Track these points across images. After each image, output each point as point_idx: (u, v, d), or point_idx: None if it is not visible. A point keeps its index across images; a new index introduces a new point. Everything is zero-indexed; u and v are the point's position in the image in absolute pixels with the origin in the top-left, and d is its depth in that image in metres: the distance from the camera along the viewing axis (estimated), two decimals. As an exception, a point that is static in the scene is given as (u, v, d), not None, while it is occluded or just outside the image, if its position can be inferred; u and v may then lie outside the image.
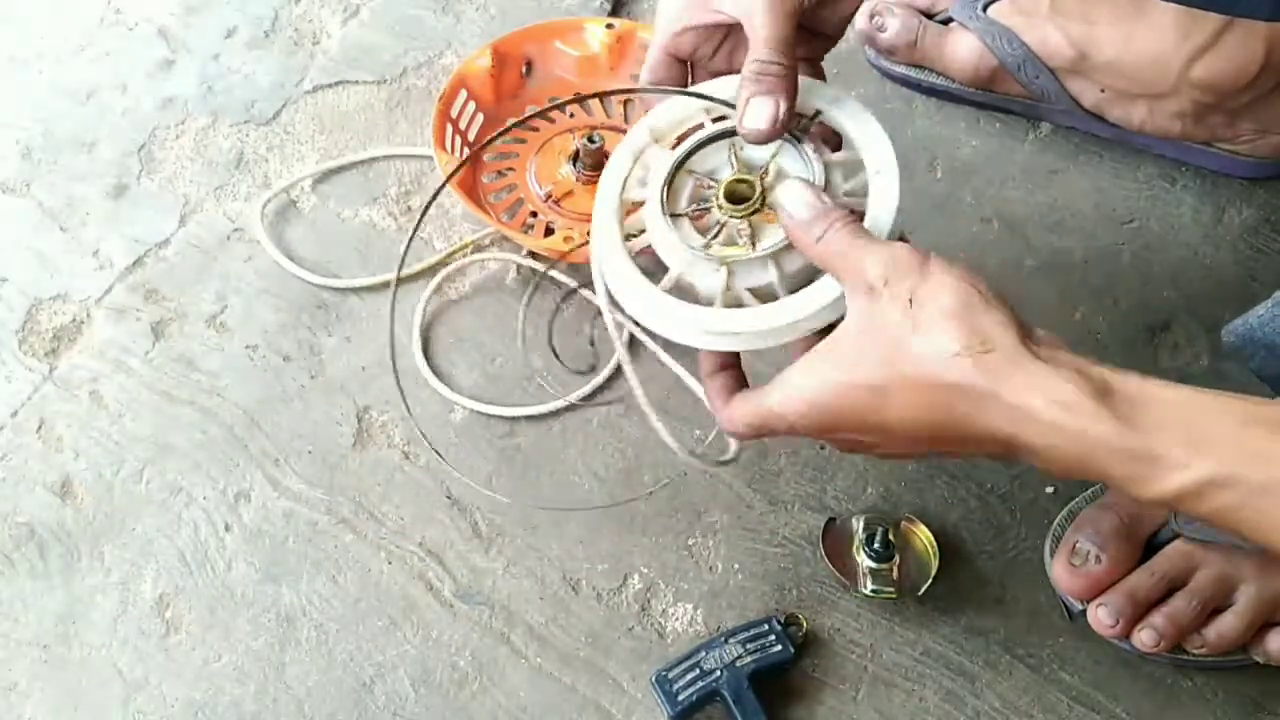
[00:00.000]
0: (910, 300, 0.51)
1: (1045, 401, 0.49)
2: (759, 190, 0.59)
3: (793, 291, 0.57)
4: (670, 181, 0.61)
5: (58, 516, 0.77)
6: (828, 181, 0.59)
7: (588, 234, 0.68)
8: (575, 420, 0.80)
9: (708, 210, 0.61)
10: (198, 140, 0.93)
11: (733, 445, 0.69)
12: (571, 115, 0.92)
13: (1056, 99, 0.88)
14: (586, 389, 0.80)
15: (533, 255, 0.86)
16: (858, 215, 0.57)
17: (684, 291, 0.59)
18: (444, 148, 0.85)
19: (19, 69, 0.97)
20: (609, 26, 0.91)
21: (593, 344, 0.77)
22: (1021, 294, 0.84)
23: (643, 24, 0.93)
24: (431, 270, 0.86)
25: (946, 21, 0.90)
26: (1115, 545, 0.71)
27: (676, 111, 0.64)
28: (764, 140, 0.59)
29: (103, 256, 0.87)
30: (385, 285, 0.85)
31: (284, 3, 1.00)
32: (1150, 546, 0.71)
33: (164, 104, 0.95)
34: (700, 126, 0.64)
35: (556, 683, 0.72)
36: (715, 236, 0.59)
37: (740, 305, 0.58)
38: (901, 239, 0.56)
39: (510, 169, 0.89)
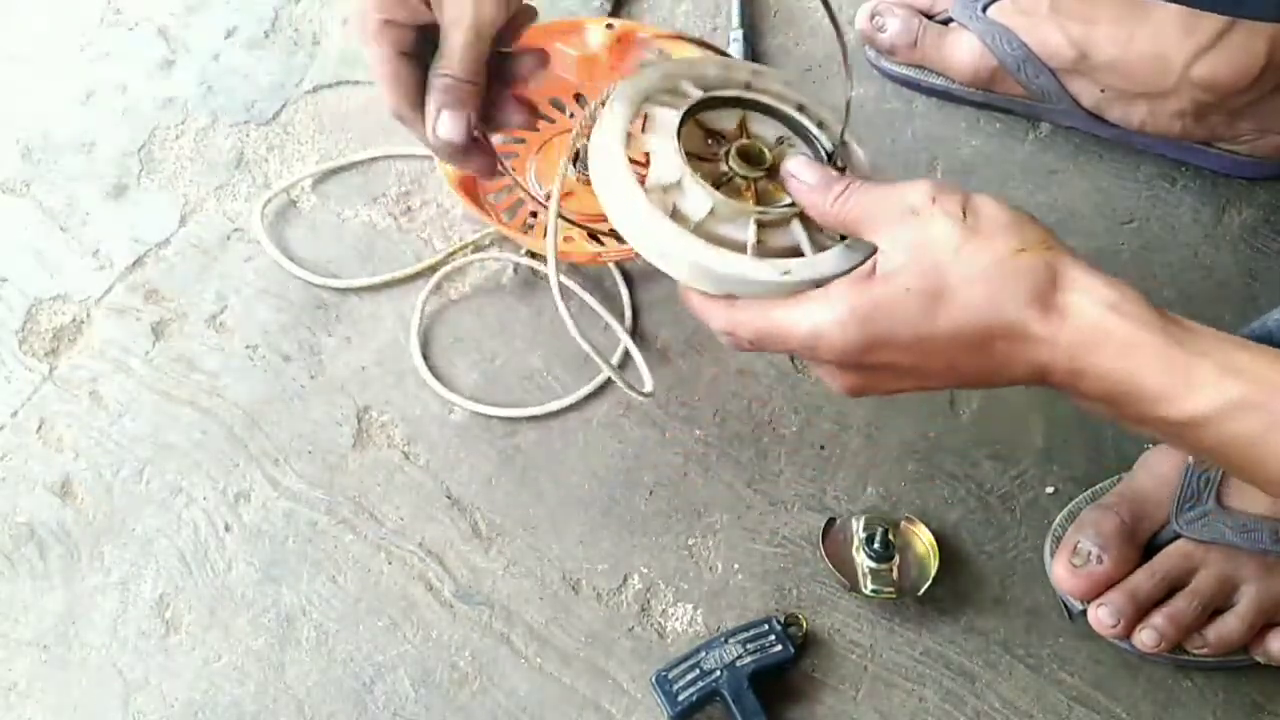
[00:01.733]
0: (964, 211, 0.52)
1: (1101, 299, 0.50)
2: (770, 159, 0.59)
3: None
4: (682, 125, 0.59)
5: (58, 516, 0.77)
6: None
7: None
8: (575, 420, 0.80)
9: (716, 162, 0.60)
10: (198, 140, 0.93)
11: (648, 383, 0.70)
12: (571, 115, 0.92)
13: (1056, 99, 0.88)
14: (588, 388, 0.80)
15: (530, 254, 0.86)
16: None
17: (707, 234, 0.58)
18: (444, 148, 0.85)
19: (19, 69, 0.97)
20: (609, 26, 0.91)
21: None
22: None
23: (642, 24, 0.93)
24: (431, 270, 0.86)
25: (946, 21, 0.90)
26: (1116, 546, 0.71)
27: (672, 69, 0.63)
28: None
29: (103, 256, 0.87)
30: (385, 285, 0.85)
31: (284, 3, 1.00)
32: (1151, 547, 0.72)
33: (164, 104, 0.95)
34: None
35: (556, 683, 0.72)
36: (721, 187, 0.58)
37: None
38: None
39: (510, 169, 0.89)
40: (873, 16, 0.91)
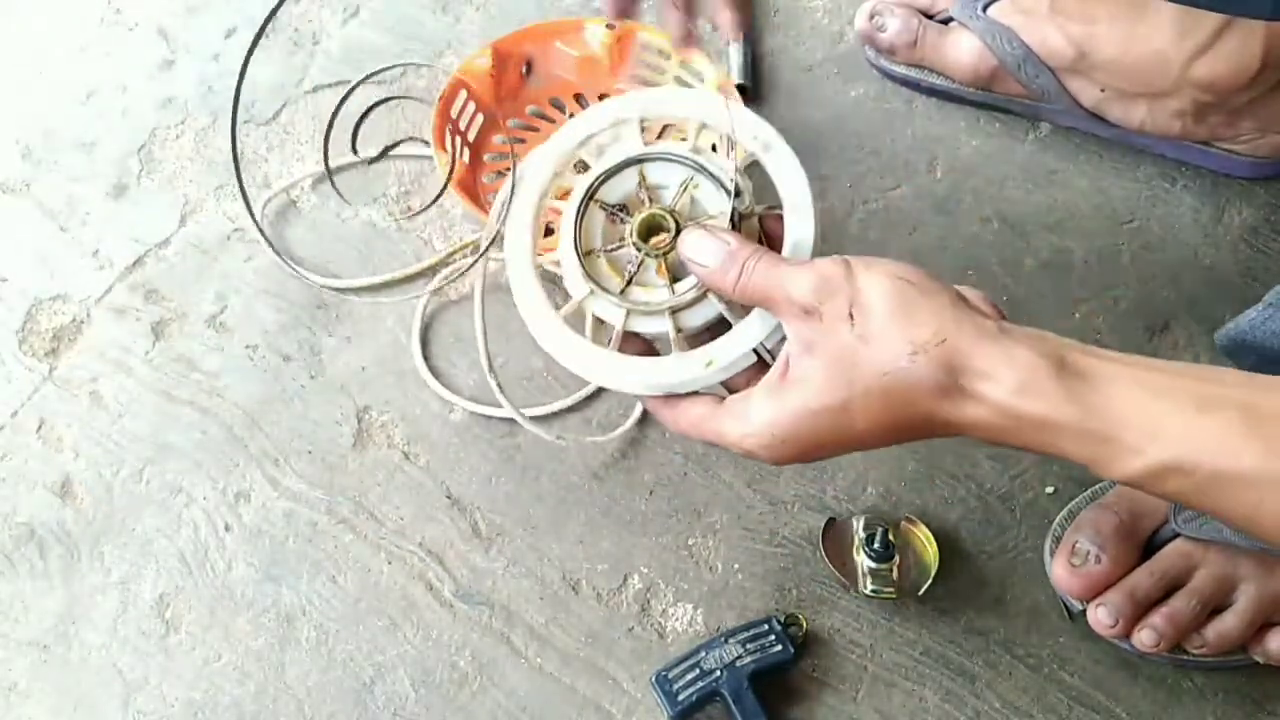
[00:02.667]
0: (850, 314, 0.51)
1: (1006, 385, 0.49)
2: (674, 225, 0.58)
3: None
4: (581, 215, 0.60)
5: (58, 516, 0.77)
6: (745, 205, 0.59)
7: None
8: (575, 420, 0.80)
9: (622, 246, 0.59)
10: (198, 140, 0.93)
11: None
12: (571, 115, 0.92)
13: (1056, 99, 0.88)
14: (589, 389, 0.80)
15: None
16: (778, 218, 0.57)
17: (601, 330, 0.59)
18: (444, 148, 0.85)
19: (19, 69, 0.97)
20: (609, 26, 0.91)
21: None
22: (1021, 294, 0.84)
23: (642, 24, 0.93)
24: (432, 270, 0.86)
25: (946, 21, 0.90)
26: (1115, 545, 0.71)
27: (564, 144, 0.62)
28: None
29: (103, 256, 0.87)
30: (385, 285, 0.85)
31: (284, 3, 1.00)
32: (1150, 546, 0.72)
33: (164, 104, 0.95)
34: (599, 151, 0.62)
35: (556, 683, 0.72)
36: (633, 278, 0.59)
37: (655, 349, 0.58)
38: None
39: (510, 169, 0.89)
40: (872, 16, 0.91)
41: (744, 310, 0.57)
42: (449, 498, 0.78)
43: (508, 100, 0.91)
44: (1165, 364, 0.50)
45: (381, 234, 0.88)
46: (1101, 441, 0.49)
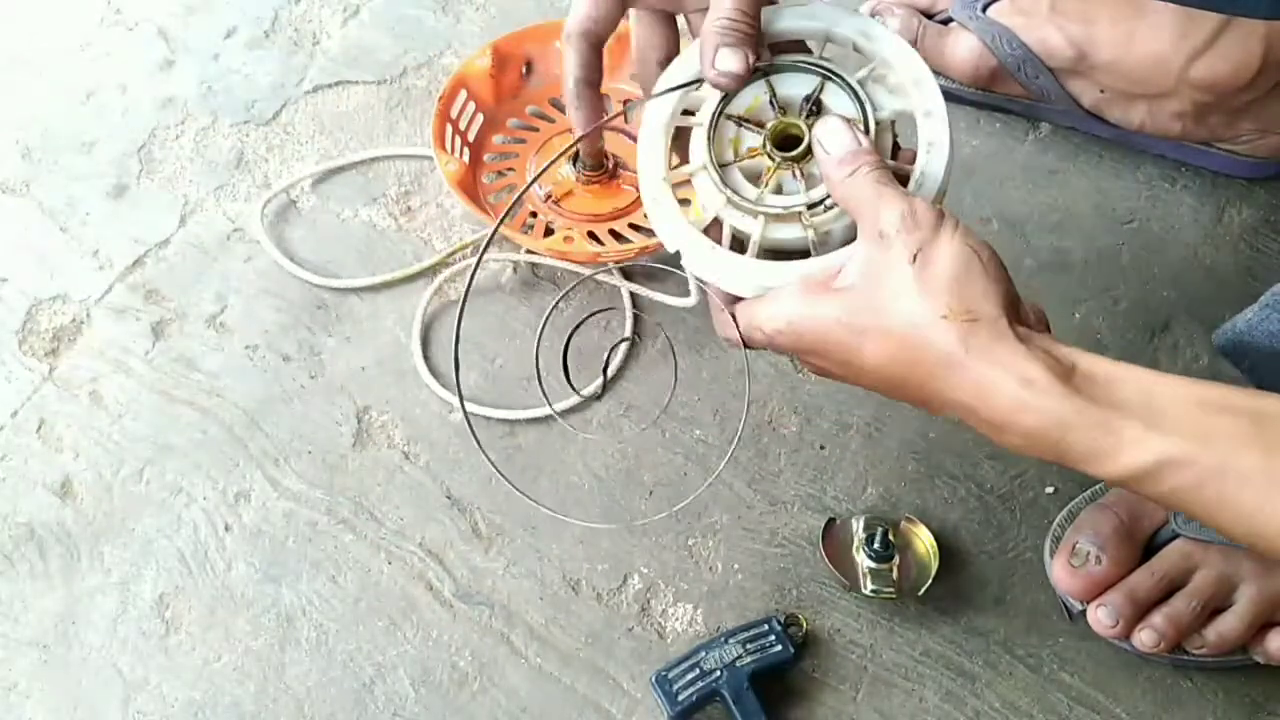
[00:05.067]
0: (916, 255, 0.52)
1: (1010, 376, 0.50)
2: (807, 136, 0.59)
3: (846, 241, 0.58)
4: (713, 130, 0.60)
5: (58, 516, 0.77)
6: (875, 120, 0.59)
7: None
8: (575, 421, 0.80)
9: (755, 156, 0.60)
10: (198, 140, 0.93)
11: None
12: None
13: (1056, 99, 0.88)
14: (589, 389, 0.80)
15: (528, 254, 0.86)
16: (910, 154, 0.58)
17: (737, 239, 0.60)
18: (444, 148, 0.85)
19: (19, 69, 0.97)
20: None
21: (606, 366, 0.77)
22: (1022, 294, 0.83)
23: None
24: (432, 270, 0.86)
25: (946, 21, 0.90)
26: (1115, 546, 0.71)
27: (688, 69, 0.62)
28: (734, 85, 0.59)
29: (103, 256, 0.87)
30: (385, 285, 0.85)
31: (284, 3, 1.00)
32: (1150, 547, 0.71)
33: (164, 104, 0.95)
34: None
35: (556, 683, 0.72)
36: (767, 185, 0.59)
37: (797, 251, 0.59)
38: (940, 197, 0.58)
39: (510, 169, 0.89)
40: (872, 16, 0.91)
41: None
42: (449, 498, 0.78)
43: (508, 100, 0.91)
44: (1178, 377, 0.51)
45: (382, 234, 0.88)
46: (1102, 434, 0.49)
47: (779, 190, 0.60)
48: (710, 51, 0.59)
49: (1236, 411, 0.49)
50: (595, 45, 0.64)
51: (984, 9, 0.87)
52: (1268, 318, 0.68)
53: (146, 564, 0.76)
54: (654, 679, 0.69)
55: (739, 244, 0.60)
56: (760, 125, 0.60)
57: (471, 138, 0.89)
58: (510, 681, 0.72)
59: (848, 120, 0.58)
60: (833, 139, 0.57)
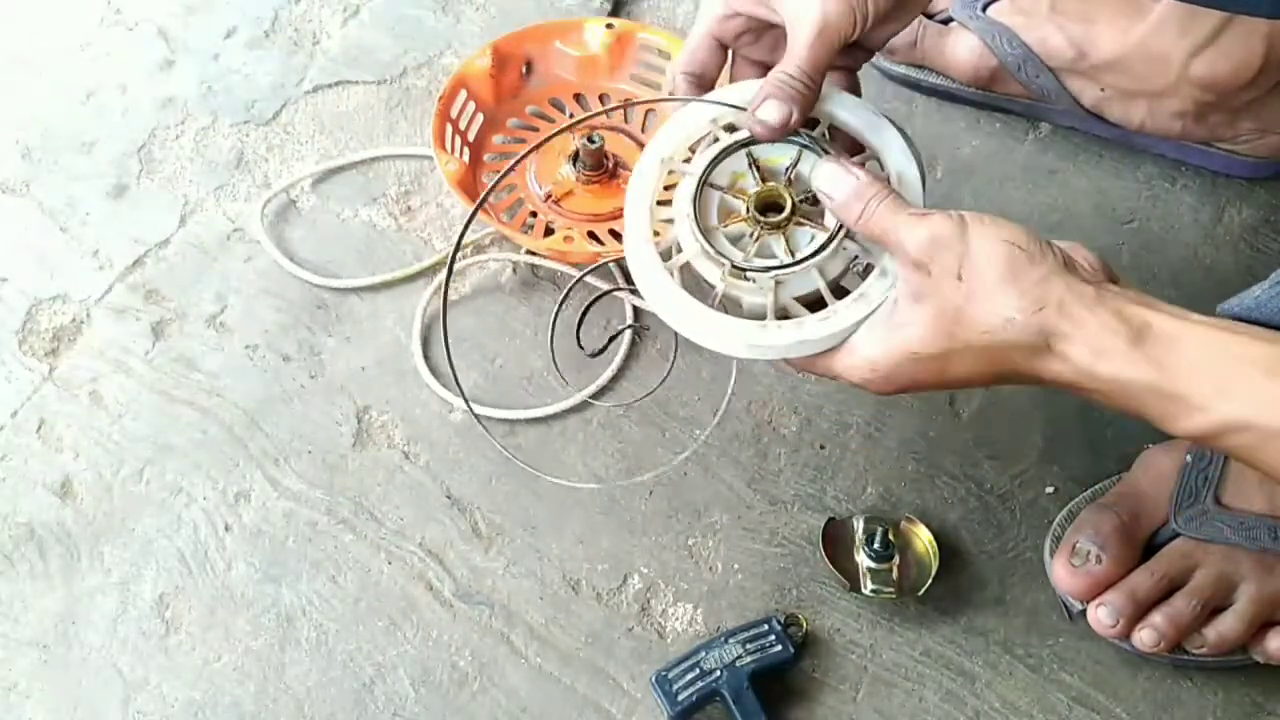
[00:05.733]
0: (959, 273, 0.54)
1: (1088, 351, 0.53)
2: (790, 200, 0.61)
3: (835, 292, 0.59)
4: (697, 197, 0.61)
5: (58, 516, 0.77)
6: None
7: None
8: (575, 420, 0.80)
9: (738, 221, 0.61)
10: (198, 140, 0.93)
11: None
12: (571, 115, 0.92)
13: (1056, 99, 0.88)
14: (591, 389, 0.80)
15: (528, 255, 0.86)
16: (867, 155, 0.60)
17: (730, 303, 0.61)
18: (443, 148, 0.85)
19: (19, 69, 0.97)
20: (609, 26, 0.91)
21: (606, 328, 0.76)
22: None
23: (642, 24, 0.93)
24: (432, 270, 0.86)
25: (946, 21, 0.90)
26: (1115, 545, 0.71)
27: (687, 127, 0.64)
28: (770, 136, 0.61)
29: (103, 256, 0.87)
30: (385, 285, 0.85)
31: (284, 3, 1.00)
32: (1150, 546, 0.71)
33: (164, 104, 0.95)
34: (712, 139, 0.64)
35: (556, 683, 0.72)
36: (754, 250, 0.60)
37: (787, 315, 0.59)
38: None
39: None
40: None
41: (843, 292, 0.59)
42: (449, 498, 0.78)
43: (507, 100, 0.91)
44: (1245, 328, 0.53)
45: (382, 234, 0.88)
46: (1172, 398, 0.52)
47: (763, 254, 0.61)
48: (759, 98, 0.60)
49: None
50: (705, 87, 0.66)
51: (984, 9, 0.87)
52: (1278, 294, 0.68)
53: (146, 564, 0.76)
54: (654, 679, 0.69)
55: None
56: (743, 193, 0.62)
57: (471, 138, 0.89)
58: (510, 681, 0.72)
59: (841, 160, 0.59)
60: (833, 184, 0.58)
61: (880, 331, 0.57)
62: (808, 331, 0.58)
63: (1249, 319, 0.70)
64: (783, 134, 0.60)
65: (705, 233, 0.60)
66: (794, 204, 0.61)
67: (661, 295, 0.60)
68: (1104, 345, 0.52)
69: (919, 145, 0.90)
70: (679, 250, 0.62)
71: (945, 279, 0.54)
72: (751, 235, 0.61)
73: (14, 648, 0.73)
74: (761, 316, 0.59)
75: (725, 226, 0.61)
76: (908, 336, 0.55)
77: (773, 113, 0.60)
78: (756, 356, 0.60)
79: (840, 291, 0.59)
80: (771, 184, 0.61)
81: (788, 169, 0.62)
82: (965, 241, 0.54)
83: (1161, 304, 0.54)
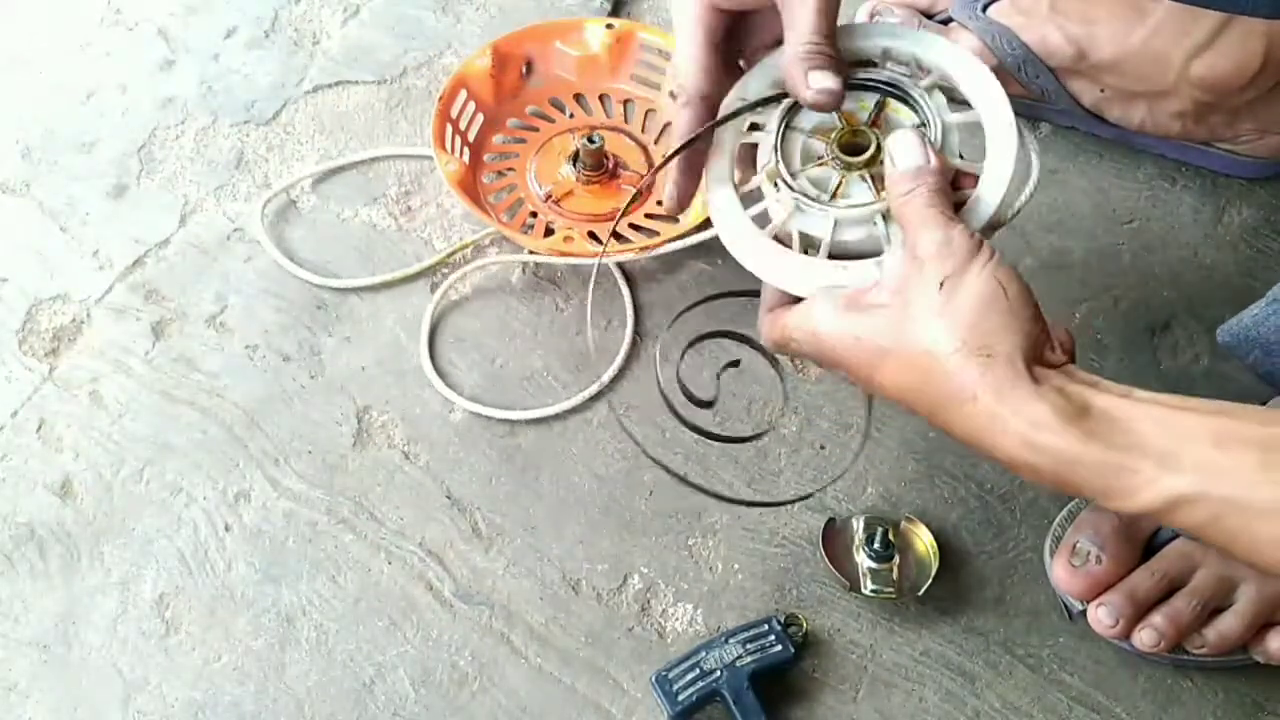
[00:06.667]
0: (943, 284, 0.53)
1: (1019, 417, 0.50)
2: (874, 141, 0.60)
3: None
4: (780, 141, 0.61)
5: (58, 516, 0.77)
6: (944, 131, 0.60)
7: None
8: (576, 420, 0.80)
9: (823, 164, 0.61)
10: (198, 140, 0.93)
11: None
12: (571, 115, 0.92)
13: (1056, 99, 0.88)
14: (590, 389, 0.80)
15: (529, 253, 0.86)
16: (972, 178, 0.59)
17: (807, 240, 0.60)
18: (444, 148, 0.85)
19: (19, 69, 0.97)
20: (609, 26, 0.91)
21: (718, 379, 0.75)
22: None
23: (642, 24, 0.93)
24: (432, 270, 0.86)
25: (946, 21, 0.90)
26: (1115, 545, 0.71)
27: (751, 91, 0.64)
28: (835, 103, 0.60)
29: (103, 256, 0.87)
30: (385, 285, 0.85)
31: (284, 3, 1.00)
32: (1150, 546, 0.71)
33: (164, 104, 0.95)
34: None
35: (556, 683, 0.72)
36: (837, 191, 0.60)
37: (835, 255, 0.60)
38: (996, 224, 0.58)
39: (510, 169, 0.89)
40: (872, 16, 0.91)
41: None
42: (449, 498, 0.78)
43: (508, 100, 0.91)
44: (1192, 401, 0.51)
45: (382, 234, 0.88)
46: (1114, 475, 0.49)
47: (848, 196, 0.60)
48: (801, 75, 0.59)
49: (1248, 444, 0.49)
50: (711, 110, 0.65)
51: (984, 9, 0.87)
52: (1275, 312, 0.68)
53: (146, 564, 0.76)
54: (654, 679, 0.69)
55: (806, 251, 0.61)
56: (826, 135, 0.62)
57: (471, 138, 0.89)
58: (510, 681, 0.72)
59: (922, 134, 0.58)
60: (903, 153, 0.57)
61: (840, 307, 0.56)
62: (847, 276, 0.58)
63: (1248, 338, 0.70)
64: (841, 97, 0.60)
65: (790, 175, 0.60)
66: (878, 144, 0.60)
67: (743, 241, 0.60)
68: (1040, 417, 0.50)
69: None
70: (764, 193, 0.61)
71: (928, 283, 0.53)
72: (839, 179, 0.60)
73: (14, 648, 0.73)
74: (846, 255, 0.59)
75: (808, 170, 0.61)
76: (861, 321, 0.55)
77: (828, 80, 0.59)
78: (800, 291, 0.59)
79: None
80: (854, 125, 0.61)
81: (871, 115, 0.62)
82: (969, 262, 0.53)
83: (1108, 383, 0.52)
